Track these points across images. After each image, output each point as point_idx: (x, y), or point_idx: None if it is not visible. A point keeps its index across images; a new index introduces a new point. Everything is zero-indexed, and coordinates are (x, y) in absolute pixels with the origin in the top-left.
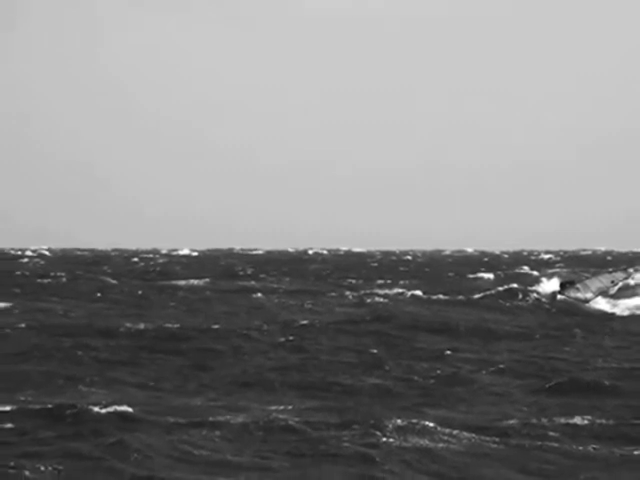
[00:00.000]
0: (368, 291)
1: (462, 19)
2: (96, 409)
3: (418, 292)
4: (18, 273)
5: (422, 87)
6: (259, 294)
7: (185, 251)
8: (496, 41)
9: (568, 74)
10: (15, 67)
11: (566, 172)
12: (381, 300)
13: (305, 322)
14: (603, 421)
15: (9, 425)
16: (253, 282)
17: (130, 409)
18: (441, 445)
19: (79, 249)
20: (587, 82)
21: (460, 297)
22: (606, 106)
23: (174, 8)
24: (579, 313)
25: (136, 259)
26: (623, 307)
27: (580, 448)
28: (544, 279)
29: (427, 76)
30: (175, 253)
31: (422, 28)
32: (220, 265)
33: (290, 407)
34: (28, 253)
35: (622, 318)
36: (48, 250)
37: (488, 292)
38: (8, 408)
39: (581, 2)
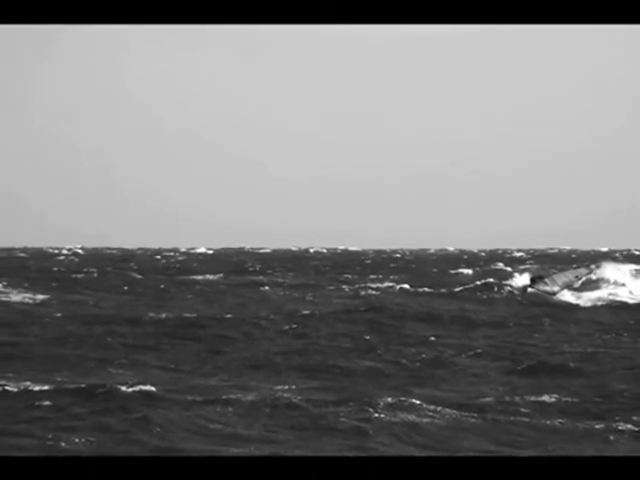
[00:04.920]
0: (362, 285)
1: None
2: (123, 388)
3: (406, 286)
4: (55, 269)
5: (410, 105)
6: (266, 287)
7: (202, 249)
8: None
9: (552, 85)
10: (54, 88)
11: (536, 180)
12: (374, 293)
13: (307, 312)
14: (568, 399)
15: (47, 402)
16: (261, 277)
17: (153, 388)
18: (426, 420)
19: (109, 248)
20: (569, 90)
21: (443, 290)
22: (580, 114)
23: (194, 36)
24: (547, 304)
25: (159, 257)
26: (586, 299)
27: (548, 422)
28: (516, 274)
29: (419, 93)
30: (193, 251)
31: (419, 40)
32: (232, 262)
33: (294, 387)
34: (64, 251)
35: (585, 309)
36: (82, 249)
37: (467, 286)
38: (46, 387)
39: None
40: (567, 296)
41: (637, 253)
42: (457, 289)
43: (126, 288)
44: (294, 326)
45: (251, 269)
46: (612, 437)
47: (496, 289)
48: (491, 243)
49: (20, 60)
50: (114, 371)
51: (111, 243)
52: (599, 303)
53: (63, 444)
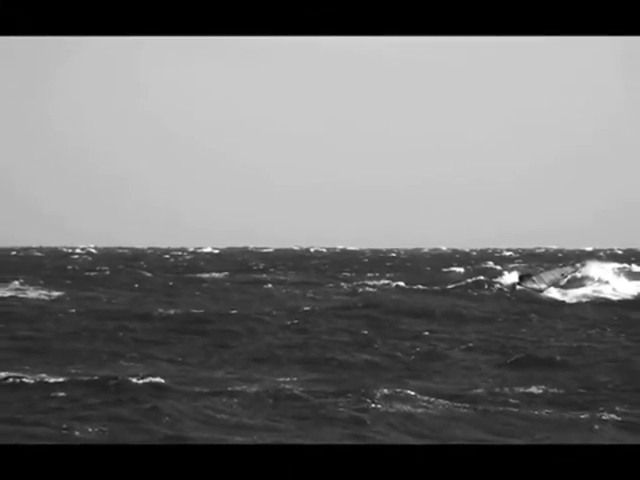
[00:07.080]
0: (360, 282)
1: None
2: (134, 380)
3: (401, 283)
4: (69, 267)
5: (410, 111)
6: (269, 285)
7: (208, 249)
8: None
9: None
10: (68, 94)
11: (525, 184)
12: (371, 290)
13: (307, 308)
14: (555, 390)
15: (62, 394)
16: (264, 275)
17: (162, 380)
18: (420, 410)
19: (120, 247)
20: (557, 96)
21: (436, 287)
22: (568, 119)
23: (197, 45)
24: (535, 301)
25: (167, 256)
26: (571, 296)
27: (536, 412)
28: (506, 272)
29: (419, 99)
30: (200, 251)
31: (421, 48)
32: (237, 261)
33: (295, 379)
34: (78, 251)
35: (570, 305)
36: (95, 248)
37: (459, 283)
38: (61, 379)
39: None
40: (554, 293)
41: (620, 252)
42: (449, 286)
43: (137, 285)
44: (295, 321)
45: (255, 268)
46: (596, 426)
47: (486, 286)
48: (482, 243)
49: (36, 70)
50: (125, 364)
51: (122, 243)
52: (584, 300)
53: (77, 433)
